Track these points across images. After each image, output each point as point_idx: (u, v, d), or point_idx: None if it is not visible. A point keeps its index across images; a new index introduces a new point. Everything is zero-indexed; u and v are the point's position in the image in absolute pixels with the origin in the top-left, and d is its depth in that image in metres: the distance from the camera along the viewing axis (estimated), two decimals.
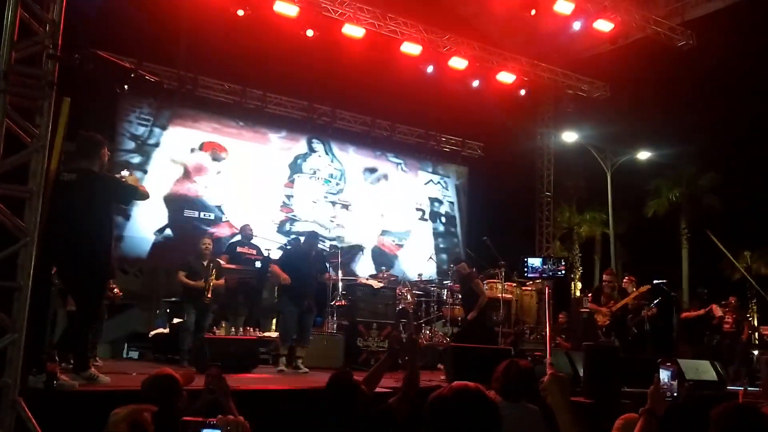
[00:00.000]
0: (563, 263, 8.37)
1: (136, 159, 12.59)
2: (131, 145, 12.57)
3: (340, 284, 10.44)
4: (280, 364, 8.00)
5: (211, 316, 8.49)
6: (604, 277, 10.53)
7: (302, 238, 9.53)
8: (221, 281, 8.50)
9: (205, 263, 8.34)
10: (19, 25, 4.23)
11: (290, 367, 8.04)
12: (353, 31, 11.99)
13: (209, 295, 8.15)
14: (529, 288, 11.68)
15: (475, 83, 13.66)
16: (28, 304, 4.03)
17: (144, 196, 5.82)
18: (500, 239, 11.43)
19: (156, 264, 12.49)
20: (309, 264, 8.44)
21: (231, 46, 11.83)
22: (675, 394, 2.75)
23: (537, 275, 8.33)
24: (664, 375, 2.79)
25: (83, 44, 4.73)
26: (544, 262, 8.27)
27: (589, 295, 10.70)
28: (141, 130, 12.72)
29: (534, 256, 11.31)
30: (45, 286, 4.78)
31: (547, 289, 8.58)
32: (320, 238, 8.95)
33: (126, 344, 10.11)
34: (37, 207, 4.12)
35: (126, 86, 4.71)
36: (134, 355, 9.97)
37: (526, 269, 8.74)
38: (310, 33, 11.92)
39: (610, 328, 9.81)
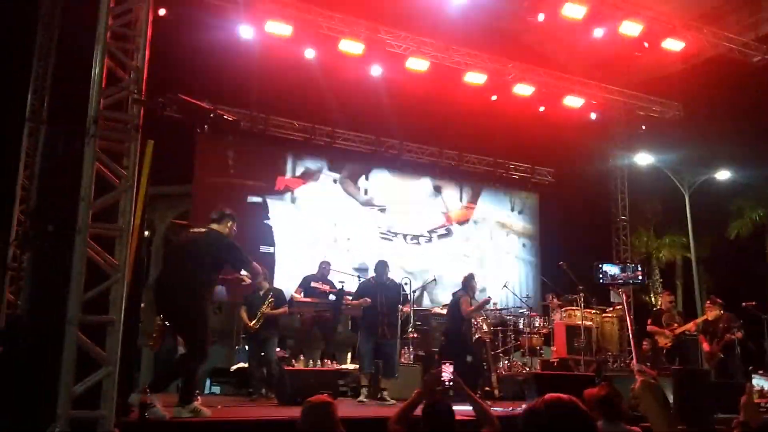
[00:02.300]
0: (640, 269, 8.20)
1: None
2: None
3: (412, 316, 10.39)
4: (360, 395, 8.04)
5: (274, 346, 8.59)
6: (664, 297, 10.44)
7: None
8: (281, 310, 8.63)
9: (261, 293, 8.52)
10: (107, 72, 4.49)
11: (374, 399, 8.04)
12: (418, 64, 12.12)
13: (253, 324, 8.32)
14: (610, 315, 11.30)
15: (542, 106, 13.54)
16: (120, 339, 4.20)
17: (252, 273, 6.46)
18: (576, 266, 11.18)
19: (235, 300, 12.78)
20: (382, 293, 8.47)
21: (299, 86, 12.16)
22: None
23: (612, 282, 8.16)
24: (760, 383, 2.65)
25: (165, 88, 4.97)
26: (621, 270, 8.09)
27: (649, 319, 10.49)
28: None
29: (609, 262, 10.87)
30: (134, 321, 4.97)
31: (625, 295, 8.41)
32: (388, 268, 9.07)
33: (208, 380, 10.32)
34: (126, 244, 4.30)
35: (206, 126, 4.92)
36: (216, 390, 10.17)
37: (600, 276, 8.51)
38: (376, 71, 12.14)
39: (673, 351, 9.55)
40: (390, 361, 8.30)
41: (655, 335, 9.92)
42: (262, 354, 8.38)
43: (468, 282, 9.39)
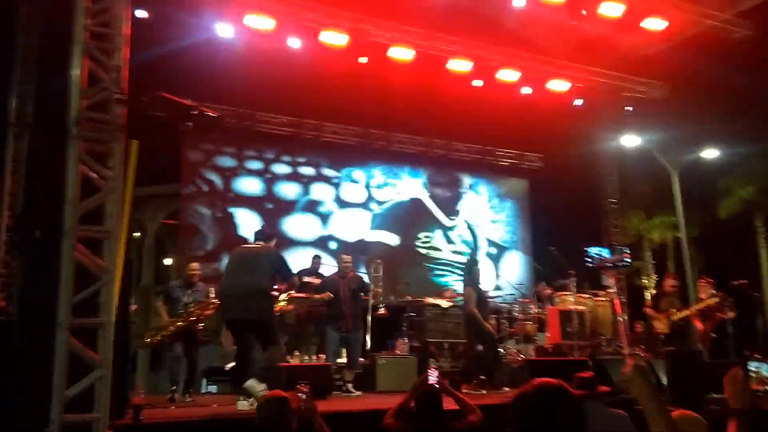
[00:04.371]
0: (628, 251, 8.22)
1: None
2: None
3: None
4: (350, 389, 8.36)
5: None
6: (667, 281, 10.06)
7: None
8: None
9: None
10: (87, 72, 4.44)
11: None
12: (402, 53, 12.05)
13: None
14: (603, 299, 11.30)
15: (528, 91, 13.50)
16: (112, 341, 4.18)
17: (291, 283, 7.50)
18: (568, 250, 11.19)
19: None
20: (346, 287, 8.72)
21: (284, 81, 12.06)
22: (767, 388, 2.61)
23: (601, 265, 8.18)
24: (756, 367, 2.65)
25: (147, 87, 4.93)
26: (609, 253, 8.11)
27: (649, 301, 10.28)
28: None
29: (595, 245, 10.66)
30: (125, 323, 4.94)
31: (613, 279, 8.39)
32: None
33: (204, 379, 10.29)
34: (114, 245, 4.27)
35: (190, 123, 4.89)
36: (212, 389, 10.14)
37: (589, 260, 8.48)
38: (363, 60, 12.10)
39: (670, 338, 9.29)
40: (353, 354, 8.48)
41: (652, 319, 9.73)
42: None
43: (470, 269, 9.36)
